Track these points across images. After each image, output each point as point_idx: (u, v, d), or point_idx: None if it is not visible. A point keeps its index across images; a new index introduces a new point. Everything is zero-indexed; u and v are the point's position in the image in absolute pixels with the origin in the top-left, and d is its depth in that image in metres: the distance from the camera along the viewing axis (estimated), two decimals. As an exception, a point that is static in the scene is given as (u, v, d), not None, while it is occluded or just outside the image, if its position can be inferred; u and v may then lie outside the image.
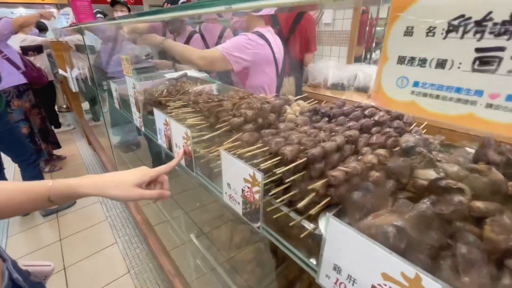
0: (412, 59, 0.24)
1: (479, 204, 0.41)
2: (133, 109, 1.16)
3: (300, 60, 2.77)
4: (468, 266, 0.35)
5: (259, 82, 1.53)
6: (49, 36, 4.01)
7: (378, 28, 3.21)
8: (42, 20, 3.66)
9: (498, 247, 0.37)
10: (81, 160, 3.60)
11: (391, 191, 0.51)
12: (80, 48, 2.43)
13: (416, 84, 0.25)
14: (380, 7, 3.01)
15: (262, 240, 0.94)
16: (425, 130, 0.79)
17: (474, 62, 0.21)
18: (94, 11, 2.51)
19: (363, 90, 2.85)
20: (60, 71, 3.23)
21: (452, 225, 0.43)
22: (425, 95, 0.24)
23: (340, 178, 0.49)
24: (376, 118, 0.75)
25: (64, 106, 5.29)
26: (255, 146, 0.59)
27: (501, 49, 0.20)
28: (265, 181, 0.53)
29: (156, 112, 0.90)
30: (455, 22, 0.21)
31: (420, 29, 0.23)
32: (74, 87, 3.23)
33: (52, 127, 3.34)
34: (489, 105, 0.21)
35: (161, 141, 0.95)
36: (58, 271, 2.04)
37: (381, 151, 0.61)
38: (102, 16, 2.86)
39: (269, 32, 1.52)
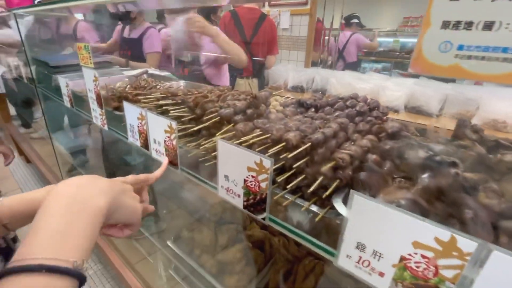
0: (458, 23, 0.25)
1: (470, 174, 0.46)
2: (93, 105, 1.02)
3: (263, 63, 2.82)
4: (477, 228, 0.38)
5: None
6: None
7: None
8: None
9: (493, 210, 0.41)
10: (8, 173, 3.03)
11: (390, 171, 0.54)
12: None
13: (460, 47, 0.26)
14: (333, 18, 3.27)
15: (249, 237, 0.90)
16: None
17: (523, 22, 0.23)
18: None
19: (320, 92, 3.03)
20: (-20, 68, 2.69)
21: (447, 195, 0.47)
22: (469, 57, 0.26)
23: (347, 160, 0.50)
24: (357, 108, 0.79)
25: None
26: (255, 134, 0.56)
27: (550, 7, 0.22)
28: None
29: (128, 105, 0.80)
30: (506, -16, 0.23)
31: (468, -7, 0.24)
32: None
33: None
34: (536, 62, 0.23)
35: (133, 138, 0.85)
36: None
37: (371, 136, 0.65)
38: None
39: None
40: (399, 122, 0.70)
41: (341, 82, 2.91)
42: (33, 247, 0.27)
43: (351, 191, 0.38)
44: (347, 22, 3.71)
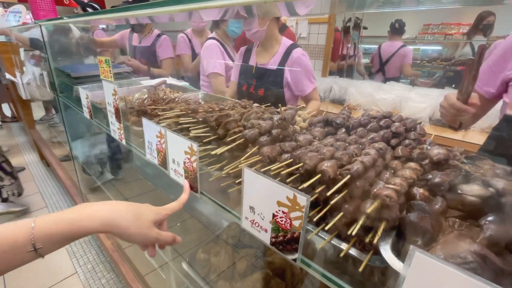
0: None
1: (549, 222, 0.38)
2: (111, 119, 1.00)
3: (280, 72, 2.78)
4: None
5: None
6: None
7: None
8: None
9: None
10: (30, 176, 3.12)
11: (443, 210, 0.46)
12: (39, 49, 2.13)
13: None
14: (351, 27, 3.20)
15: (269, 264, 0.84)
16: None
17: None
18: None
19: (338, 102, 2.95)
20: (8, 76, 2.81)
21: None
22: None
23: (394, 198, 0.43)
24: (393, 129, 0.72)
25: (9, 116, 4.65)
26: (284, 162, 0.51)
27: None
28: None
29: (146, 122, 0.77)
30: None
31: None
32: (24, 94, 2.83)
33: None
34: None
35: (151, 156, 0.81)
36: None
37: (414, 165, 0.57)
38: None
39: None
40: (444, 148, 0.63)
41: (361, 92, 2.82)
42: None
43: (411, 247, 0.31)
44: (393, 29, 3.13)
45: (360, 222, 0.42)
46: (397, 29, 3.21)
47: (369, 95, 2.66)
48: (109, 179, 2.27)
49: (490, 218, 0.40)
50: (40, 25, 1.52)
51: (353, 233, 0.40)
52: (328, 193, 0.42)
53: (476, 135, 2.25)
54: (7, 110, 4.68)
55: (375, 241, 0.38)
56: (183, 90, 1.69)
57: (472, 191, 0.47)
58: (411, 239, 0.41)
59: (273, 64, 1.48)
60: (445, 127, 2.35)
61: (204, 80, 2.01)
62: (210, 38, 1.99)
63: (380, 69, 3.32)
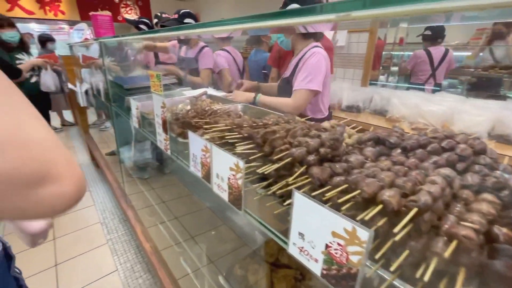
0: None
1: None
2: (158, 130, 1.05)
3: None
4: None
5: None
6: (59, 51, 4.02)
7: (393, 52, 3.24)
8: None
9: None
10: (82, 176, 3.44)
11: (536, 258, 0.39)
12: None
13: None
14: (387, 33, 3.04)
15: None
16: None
17: None
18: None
19: (379, 113, 2.78)
20: (70, 85, 3.17)
21: None
22: None
23: (475, 239, 0.37)
24: (458, 151, 0.64)
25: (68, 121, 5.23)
26: (339, 188, 0.47)
27: None
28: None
29: (193, 136, 0.78)
30: None
31: None
32: (82, 102, 3.15)
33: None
34: None
35: (195, 169, 0.83)
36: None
37: (490, 197, 0.50)
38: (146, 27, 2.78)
39: None
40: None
41: (405, 103, 2.63)
42: None
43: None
44: (426, 36, 3.12)
45: (432, 266, 0.36)
46: (429, 36, 3.10)
47: (415, 106, 2.46)
48: (147, 180, 2.40)
49: None
50: (100, 42, 1.69)
51: (426, 278, 0.35)
52: (395, 230, 0.38)
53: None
54: (68, 116, 5.29)
55: (455, 292, 0.33)
56: (222, 101, 1.73)
57: None
58: (497, 291, 0.34)
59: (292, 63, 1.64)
60: (508, 144, 2.08)
61: None
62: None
63: (431, 76, 3.16)
